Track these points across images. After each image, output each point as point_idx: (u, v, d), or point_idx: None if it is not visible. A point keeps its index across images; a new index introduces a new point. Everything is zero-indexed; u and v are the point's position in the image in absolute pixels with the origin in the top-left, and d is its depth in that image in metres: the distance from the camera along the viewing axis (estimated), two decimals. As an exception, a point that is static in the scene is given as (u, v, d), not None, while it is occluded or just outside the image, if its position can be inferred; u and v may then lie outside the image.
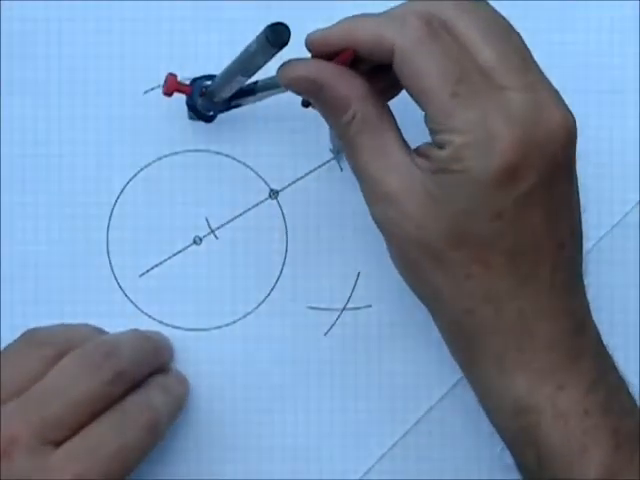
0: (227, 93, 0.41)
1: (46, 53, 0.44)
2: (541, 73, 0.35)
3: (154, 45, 0.44)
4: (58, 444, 0.38)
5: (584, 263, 0.37)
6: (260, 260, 0.45)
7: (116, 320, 0.44)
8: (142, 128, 0.45)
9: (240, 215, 0.45)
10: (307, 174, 0.45)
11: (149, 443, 0.40)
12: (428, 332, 0.44)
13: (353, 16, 0.36)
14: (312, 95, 0.36)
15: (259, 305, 0.45)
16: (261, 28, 0.33)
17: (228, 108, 0.43)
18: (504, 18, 0.36)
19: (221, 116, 0.44)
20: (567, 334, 0.36)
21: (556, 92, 0.35)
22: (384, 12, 0.36)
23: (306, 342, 0.45)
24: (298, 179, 0.45)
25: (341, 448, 0.45)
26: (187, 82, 0.43)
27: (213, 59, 0.44)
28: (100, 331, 0.44)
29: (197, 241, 0.45)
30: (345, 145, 0.37)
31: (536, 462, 0.36)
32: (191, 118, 0.44)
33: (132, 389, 0.40)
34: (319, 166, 0.45)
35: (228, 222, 0.45)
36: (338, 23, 0.36)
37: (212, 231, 0.45)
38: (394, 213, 0.35)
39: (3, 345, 0.41)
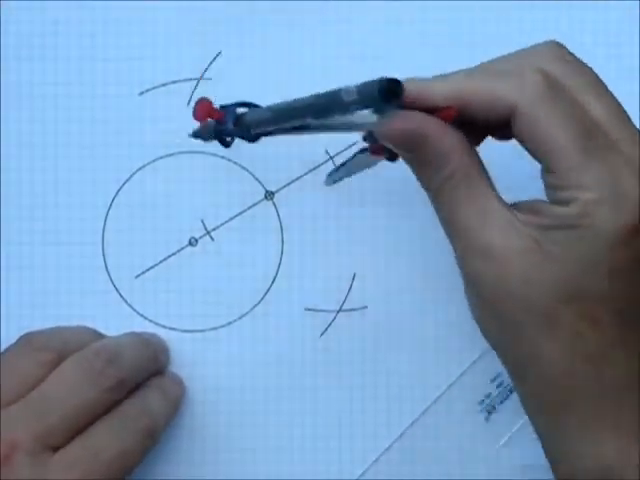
0: (280, 128, 0.36)
1: (42, 55, 0.44)
2: None
3: (149, 47, 0.44)
4: (58, 449, 0.38)
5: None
6: (256, 261, 0.45)
7: (112, 322, 0.44)
8: (138, 130, 0.45)
9: (236, 216, 0.45)
10: (302, 175, 0.45)
11: (147, 446, 0.40)
12: (424, 333, 0.44)
13: (459, 72, 0.34)
14: (412, 149, 0.35)
15: (255, 306, 0.45)
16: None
17: (257, 136, 0.38)
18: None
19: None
20: None
21: None
22: (488, 66, 0.34)
23: (302, 343, 0.45)
24: (293, 180, 0.45)
25: (337, 450, 0.45)
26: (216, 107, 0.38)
27: (206, 62, 0.44)
28: (97, 334, 0.44)
29: (193, 242, 0.45)
30: (437, 198, 0.35)
31: None
32: (195, 137, 0.40)
33: (130, 392, 0.41)
34: (314, 167, 0.45)
35: (224, 223, 0.45)
36: (442, 79, 0.34)
37: (208, 232, 0.45)
38: (495, 269, 0.34)
39: (0, 347, 0.42)
